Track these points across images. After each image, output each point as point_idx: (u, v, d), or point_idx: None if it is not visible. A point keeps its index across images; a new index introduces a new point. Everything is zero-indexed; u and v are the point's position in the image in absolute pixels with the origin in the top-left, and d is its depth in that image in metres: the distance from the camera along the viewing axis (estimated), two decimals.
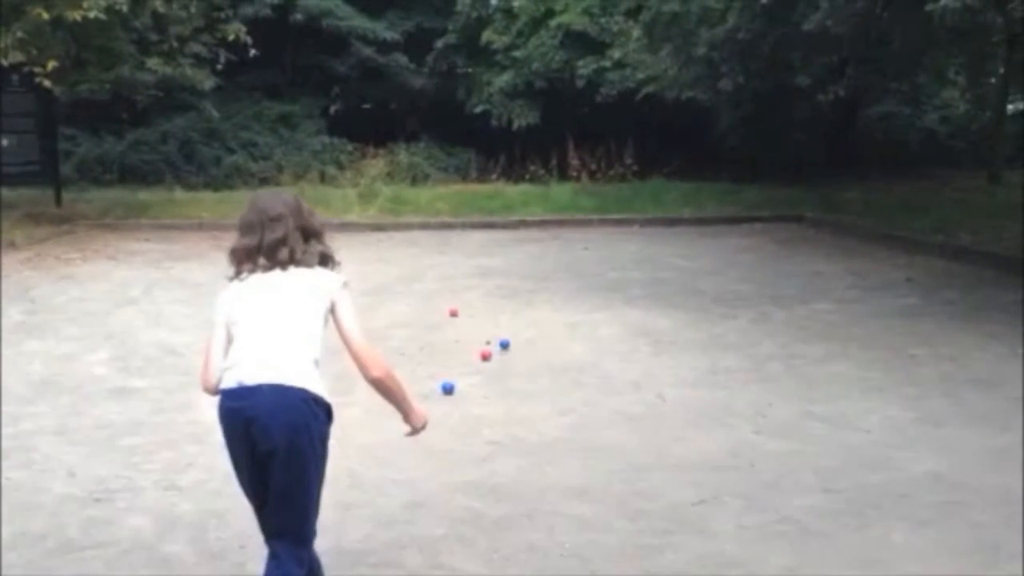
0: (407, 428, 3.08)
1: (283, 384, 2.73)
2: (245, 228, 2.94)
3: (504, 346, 6.77)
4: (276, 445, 2.71)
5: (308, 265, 2.93)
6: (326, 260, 3.01)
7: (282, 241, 2.89)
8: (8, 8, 11.21)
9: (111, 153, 17.18)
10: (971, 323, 7.40)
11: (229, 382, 2.78)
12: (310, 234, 2.99)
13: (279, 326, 2.82)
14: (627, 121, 17.24)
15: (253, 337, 2.81)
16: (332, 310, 2.91)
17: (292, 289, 2.88)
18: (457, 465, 4.54)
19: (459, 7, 18.71)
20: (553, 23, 17.98)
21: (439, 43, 19.11)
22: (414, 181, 17.07)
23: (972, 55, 15.12)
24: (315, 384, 2.80)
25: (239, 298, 2.89)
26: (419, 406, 3.10)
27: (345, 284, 2.97)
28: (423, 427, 3.08)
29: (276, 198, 3.02)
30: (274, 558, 2.80)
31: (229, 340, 2.87)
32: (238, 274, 2.93)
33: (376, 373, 2.88)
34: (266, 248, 2.89)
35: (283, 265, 2.89)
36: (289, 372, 2.75)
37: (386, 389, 2.94)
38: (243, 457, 2.79)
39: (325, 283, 2.93)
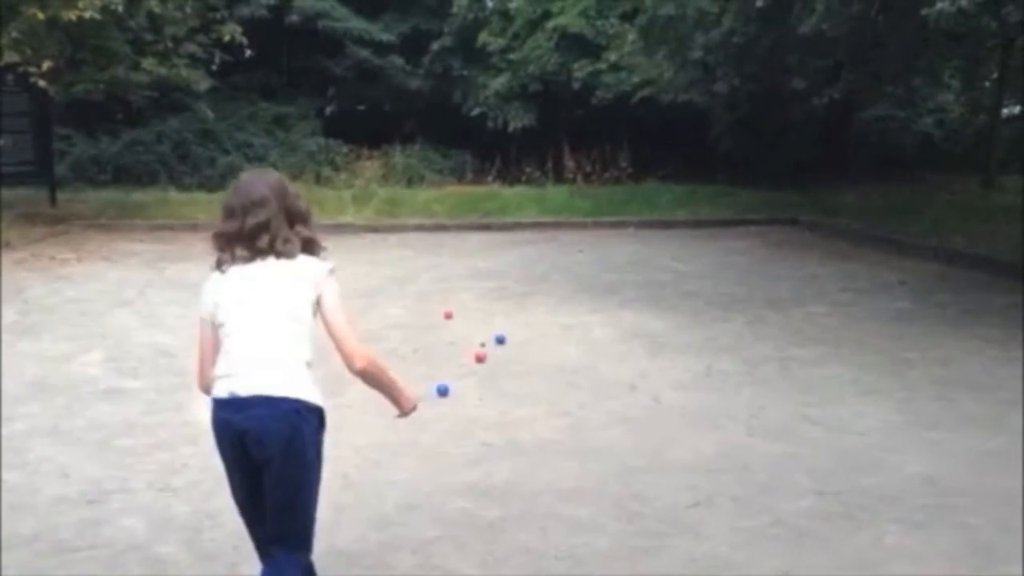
0: (397, 411, 3.02)
1: (275, 395, 2.68)
2: (227, 212, 2.83)
3: (500, 341, 6.79)
4: (270, 456, 2.68)
5: (290, 255, 2.79)
6: (312, 246, 2.88)
7: (264, 226, 2.77)
8: (3, 8, 11.20)
9: (106, 153, 17.16)
10: (964, 326, 7.42)
11: (221, 392, 2.73)
12: (295, 218, 2.86)
13: (267, 330, 2.74)
14: (622, 124, 17.28)
15: (242, 344, 2.73)
16: (318, 299, 2.81)
17: (277, 286, 2.77)
18: (451, 467, 4.54)
19: (455, 9, 18.74)
20: (549, 25, 18.02)
21: (435, 45, 19.13)
22: (409, 183, 17.08)
23: (967, 59, 15.19)
24: (307, 391, 2.75)
25: (223, 295, 2.78)
26: (407, 389, 3.02)
27: (331, 271, 2.85)
28: (413, 409, 3.02)
29: (260, 180, 2.87)
30: (272, 563, 2.78)
31: (216, 337, 2.80)
32: (220, 263, 2.82)
33: (360, 364, 2.79)
34: (247, 233, 2.77)
35: (263, 254, 2.77)
36: (281, 381, 2.70)
37: (372, 378, 2.87)
38: (236, 466, 2.77)
39: (310, 272, 2.81)
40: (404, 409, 3.01)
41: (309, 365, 2.80)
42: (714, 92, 15.23)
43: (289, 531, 2.77)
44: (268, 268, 2.78)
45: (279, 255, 2.79)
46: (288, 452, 2.68)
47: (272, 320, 2.75)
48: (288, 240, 2.81)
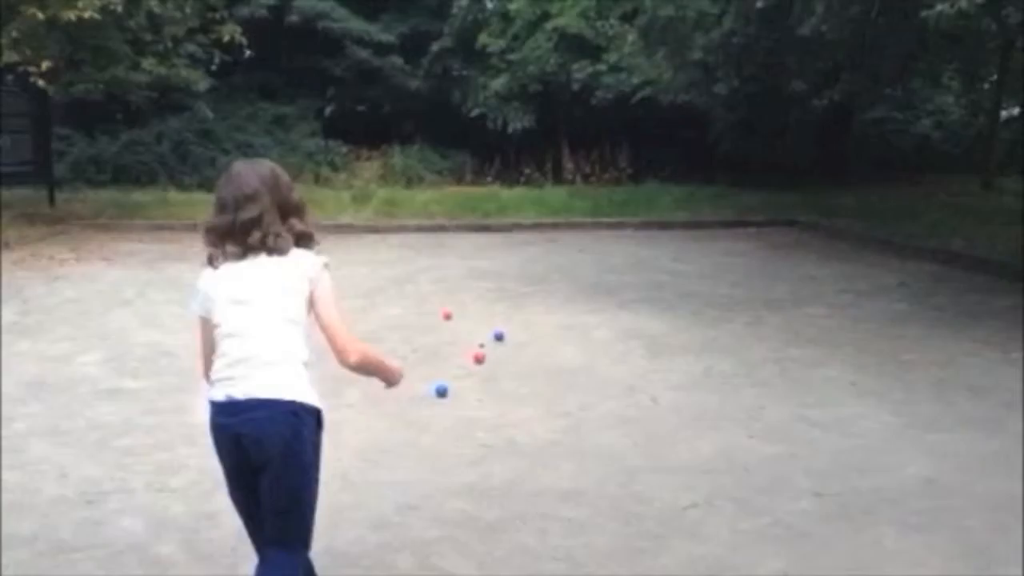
0: (385, 385, 2.96)
1: (272, 398, 2.66)
2: (219, 206, 2.77)
3: (498, 338, 6.85)
4: (269, 458, 2.67)
5: (282, 251, 2.73)
6: (306, 240, 2.81)
7: (256, 222, 2.71)
8: (3, 8, 11.20)
9: (105, 153, 17.17)
10: (963, 328, 7.42)
11: (218, 395, 2.72)
12: (289, 211, 2.79)
13: (262, 332, 2.71)
14: (622, 125, 17.30)
15: (237, 346, 2.71)
16: (311, 294, 2.75)
17: (270, 285, 2.72)
18: (450, 467, 4.54)
19: (455, 10, 18.74)
20: (549, 26, 18.03)
21: (435, 46, 19.13)
22: (408, 183, 17.10)
23: (966, 61, 15.20)
24: (304, 392, 2.72)
25: (217, 293, 2.75)
26: (392, 362, 2.95)
27: (325, 265, 2.79)
28: (400, 380, 2.96)
29: (252, 172, 2.79)
30: (269, 563, 2.77)
31: (213, 335, 2.79)
32: (212, 259, 2.78)
33: (354, 359, 2.75)
34: (238, 228, 2.71)
35: (254, 251, 2.72)
36: (278, 384, 2.68)
37: (365, 370, 2.84)
38: (235, 469, 2.76)
39: (303, 267, 2.76)
40: (393, 382, 2.94)
41: (306, 365, 2.78)
42: (714, 93, 15.25)
43: (288, 532, 2.76)
44: (260, 266, 2.74)
45: (271, 251, 2.74)
46: (286, 454, 2.68)
47: (267, 321, 2.72)
48: (280, 235, 2.75)
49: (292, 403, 2.69)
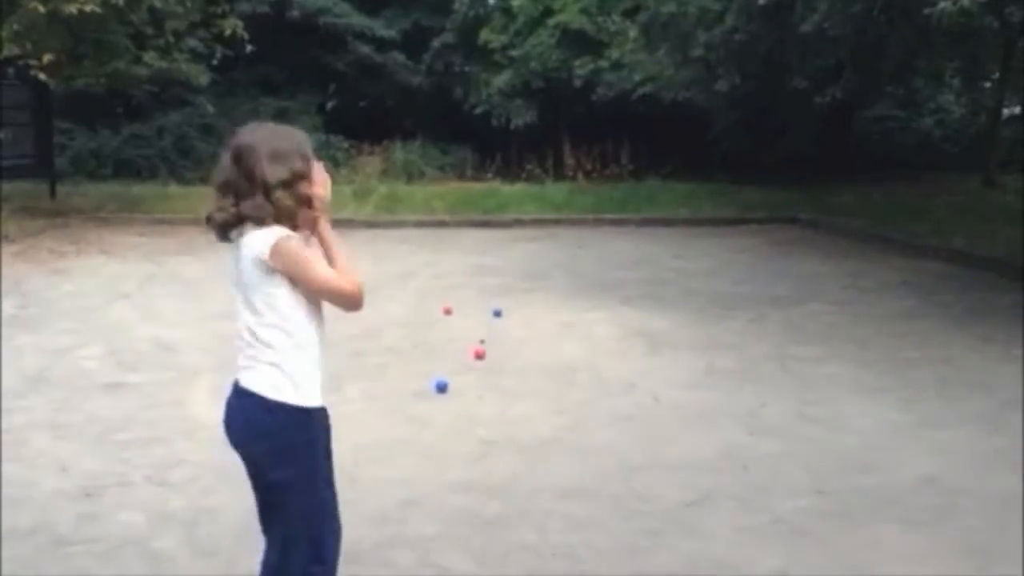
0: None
1: (244, 388, 2.61)
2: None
3: (497, 314, 7.19)
4: (240, 447, 2.67)
5: (221, 231, 2.54)
6: (256, 221, 2.51)
7: (218, 192, 2.56)
8: (4, 1, 11.19)
9: (106, 147, 17.15)
10: (966, 326, 7.41)
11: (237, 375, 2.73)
12: (250, 189, 2.50)
13: (243, 320, 2.62)
14: (624, 121, 17.25)
15: (237, 332, 2.67)
16: (285, 276, 2.52)
17: (238, 275, 2.57)
18: (450, 464, 4.53)
19: (457, 6, 18.71)
20: (551, 22, 18.00)
21: (437, 42, 19.11)
22: (410, 179, 17.07)
23: (968, 59, 15.17)
24: (274, 389, 2.58)
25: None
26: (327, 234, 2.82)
27: (276, 244, 2.48)
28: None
29: (233, 142, 2.59)
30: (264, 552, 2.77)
31: None
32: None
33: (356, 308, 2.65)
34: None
35: (215, 227, 2.56)
36: (250, 376, 2.60)
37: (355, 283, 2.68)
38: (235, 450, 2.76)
39: (253, 254, 2.50)
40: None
41: (274, 364, 2.58)
42: (715, 90, 15.20)
43: (269, 525, 2.71)
44: (236, 253, 2.58)
45: (227, 235, 2.56)
46: (258, 448, 2.63)
47: (245, 314, 2.62)
48: (211, 215, 2.55)
49: (261, 398, 2.58)
